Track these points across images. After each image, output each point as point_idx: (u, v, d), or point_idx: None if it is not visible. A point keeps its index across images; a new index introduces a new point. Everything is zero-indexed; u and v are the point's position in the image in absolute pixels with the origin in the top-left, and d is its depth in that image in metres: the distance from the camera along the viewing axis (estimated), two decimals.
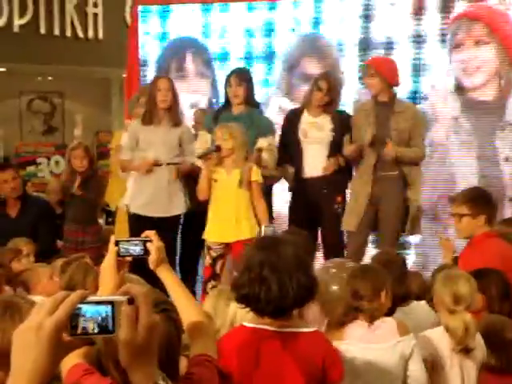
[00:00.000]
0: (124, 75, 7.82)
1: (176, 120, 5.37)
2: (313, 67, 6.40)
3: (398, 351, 2.85)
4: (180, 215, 5.48)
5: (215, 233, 4.93)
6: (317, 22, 6.35)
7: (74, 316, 1.20)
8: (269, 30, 6.45)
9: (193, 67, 6.71)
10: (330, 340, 2.56)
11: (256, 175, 4.88)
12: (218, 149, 4.86)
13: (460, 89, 6.05)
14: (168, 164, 5.31)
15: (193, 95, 6.70)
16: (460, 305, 2.99)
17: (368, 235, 5.34)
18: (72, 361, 1.87)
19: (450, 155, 6.06)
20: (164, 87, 5.31)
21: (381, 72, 5.15)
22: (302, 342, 2.32)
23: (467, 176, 5.94)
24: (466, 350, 2.95)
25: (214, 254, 4.94)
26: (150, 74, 6.70)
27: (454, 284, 3.05)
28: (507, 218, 5.18)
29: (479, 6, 6.05)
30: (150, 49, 6.80)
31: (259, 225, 4.83)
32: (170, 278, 2.06)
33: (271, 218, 5.30)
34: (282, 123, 5.66)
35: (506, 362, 2.96)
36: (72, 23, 10.08)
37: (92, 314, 1.21)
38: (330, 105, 5.42)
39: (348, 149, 5.18)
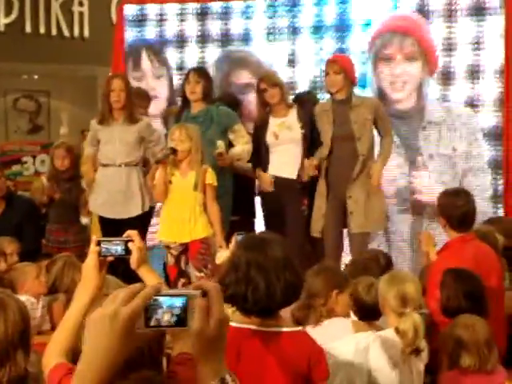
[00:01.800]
0: (110, 74, 7.80)
1: (132, 117, 5.31)
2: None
3: (352, 345, 2.82)
4: (146, 215, 5.45)
5: (171, 233, 4.94)
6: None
7: (149, 308, 1.22)
8: None
9: (149, 67, 6.66)
10: None
11: (211, 178, 4.88)
12: (174, 152, 4.83)
13: (385, 100, 5.97)
14: (126, 165, 5.28)
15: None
16: (408, 306, 2.91)
17: (341, 233, 5.30)
18: (54, 360, 1.87)
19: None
20: (117, 87, 5.27)
21: (346, 69, 5.13)
22: (285, 341, 2.32)
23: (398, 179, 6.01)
24: (416, 352, 2.89)
25: (174, 253, 4.95)
26: None
27: (399, 285, 2.97)
28: (490, 217, 5.19)
29: (408, 20, 6.01)
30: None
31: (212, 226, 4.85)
32: (151, 278, 2.06)
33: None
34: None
35: (479, 362, 2.96)
36: (58, 22, 10.06)
37: (167, 306, 1.23)
38: (284, 97, 5.41)
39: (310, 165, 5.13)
